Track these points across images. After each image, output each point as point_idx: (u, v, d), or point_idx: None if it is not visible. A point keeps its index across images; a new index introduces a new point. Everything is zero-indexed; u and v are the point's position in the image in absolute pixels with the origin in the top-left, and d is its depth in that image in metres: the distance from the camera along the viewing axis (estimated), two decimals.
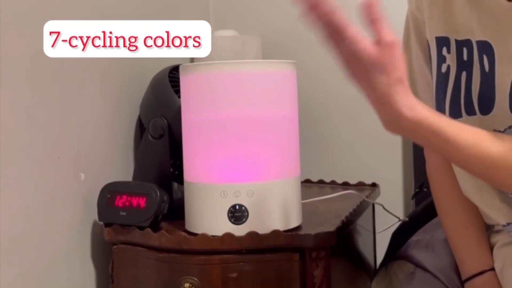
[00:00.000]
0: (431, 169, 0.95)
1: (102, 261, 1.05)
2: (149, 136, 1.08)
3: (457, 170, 0.87)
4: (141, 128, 1.16)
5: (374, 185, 1.33)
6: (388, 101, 0.65)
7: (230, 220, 0.91)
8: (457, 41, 0.81)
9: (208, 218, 0.93)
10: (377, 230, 1.33)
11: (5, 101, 0.87)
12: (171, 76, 1.11)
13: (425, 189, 1.33)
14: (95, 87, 1.07)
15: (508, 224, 0.83)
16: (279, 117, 0.94)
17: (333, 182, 1.37)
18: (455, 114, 0.81)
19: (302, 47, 1.47)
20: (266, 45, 1.40)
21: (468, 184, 0.85)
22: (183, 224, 0.98)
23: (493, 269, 0.85)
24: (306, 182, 1.38)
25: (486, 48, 0.77)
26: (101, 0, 1.08)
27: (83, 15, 1.03)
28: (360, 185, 1.34)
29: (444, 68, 0.82)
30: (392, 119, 0.66)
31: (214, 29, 1.50)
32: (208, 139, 0.93)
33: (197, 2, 1.49)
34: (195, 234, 0.92)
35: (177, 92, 1.05)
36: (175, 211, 1.01)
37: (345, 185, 1.35)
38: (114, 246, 0.99)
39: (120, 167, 1.13)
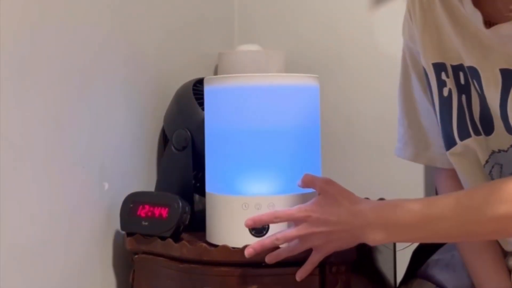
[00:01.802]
0: (442, 191, 0.95)
1: (123, 270, 1.06)
2: (173, 148, 1.10)
3: None
4: (164, 139, 1.17)
5: None
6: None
7: (250, 233, 0.91)
8: (452, 66, 0.83)
9: (229, 230, 0.93)
10: (397, 248, 1.32)
11: (36, 111, 0.89)
12: (195, 88, 1.12)
13: None
14: (121, 99, 1.09)
15: None
16: (301, 131, 0.95)
17: None
18: (464, 135, 0.83)
19: (326, 62, 1.48)
20: (290, 59, 1.41)
21: None
22: (204, 235, 0.98)
23: None
24: None
25: (474, 73, 0.78)
26: (127, 13, 1.10)
27: (110, 29, 1.05)
28: None
29: (446, 92, 0.83)
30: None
31: (238, 43, 1.52)
32: (230, 151, 0.94)
33: (223, 17, 1.51)
34: (215, 246, 0.93)
35: (201, 104, 1.06)
36: (196, 223, 1.02)
37: None
38: (136, 256, 1.00)
39: (144, 177, 1.14)
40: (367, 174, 1.46)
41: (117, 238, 1.05)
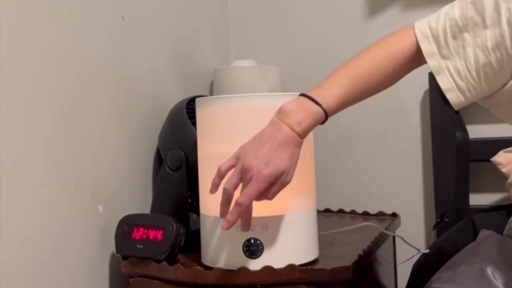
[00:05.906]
0: None
1: None
2: (167, 168, 1.09)
3: None
4: (159, 160, 1.16)
5: (394, 215, 1.31)
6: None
7: (245, 254, 0.91)
8: None
9: (223, 252, 0.92)
10: (398, 260, 1.31)
11: (25, 133, 0.89)
12: (189, 107, 1.12)
13: (446, 219, 1.31)
14: (115, 119, 1.08)
15: None
16: None
17: (353, 212, 1.36)
18: None
19: (322, 76, 1.47)
20: (285, 74, 1.41)
21: None
22: (201, 256, 0.98)
23: None
24: (326, 212, 1.38)
25: None
26: (121, 30, 1.10)
27: (103, 46, 1.05)
28: (380, 215, 1.32)
29: None
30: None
31: (234, 59, 1.52)
32: None
33: (218, 32, 1.51)
34: (210, 268, 0.92)
35: (195, 123, 1.05)
36: (193, 243, 1.01)
37: (365, 215, 1.34)
38: (131, 279, 0.99)
39: (138, 199, 1.14)
40: (365, 187, 1.45)
41: (113, 261, 1.05)
